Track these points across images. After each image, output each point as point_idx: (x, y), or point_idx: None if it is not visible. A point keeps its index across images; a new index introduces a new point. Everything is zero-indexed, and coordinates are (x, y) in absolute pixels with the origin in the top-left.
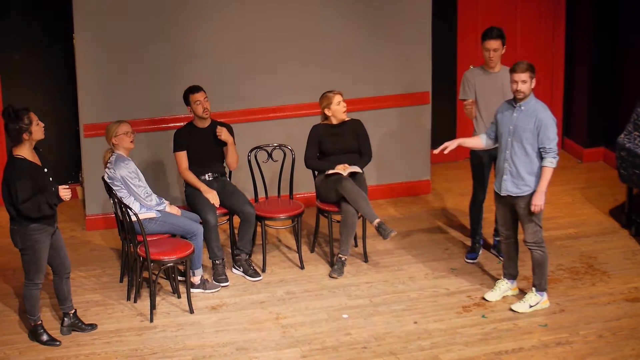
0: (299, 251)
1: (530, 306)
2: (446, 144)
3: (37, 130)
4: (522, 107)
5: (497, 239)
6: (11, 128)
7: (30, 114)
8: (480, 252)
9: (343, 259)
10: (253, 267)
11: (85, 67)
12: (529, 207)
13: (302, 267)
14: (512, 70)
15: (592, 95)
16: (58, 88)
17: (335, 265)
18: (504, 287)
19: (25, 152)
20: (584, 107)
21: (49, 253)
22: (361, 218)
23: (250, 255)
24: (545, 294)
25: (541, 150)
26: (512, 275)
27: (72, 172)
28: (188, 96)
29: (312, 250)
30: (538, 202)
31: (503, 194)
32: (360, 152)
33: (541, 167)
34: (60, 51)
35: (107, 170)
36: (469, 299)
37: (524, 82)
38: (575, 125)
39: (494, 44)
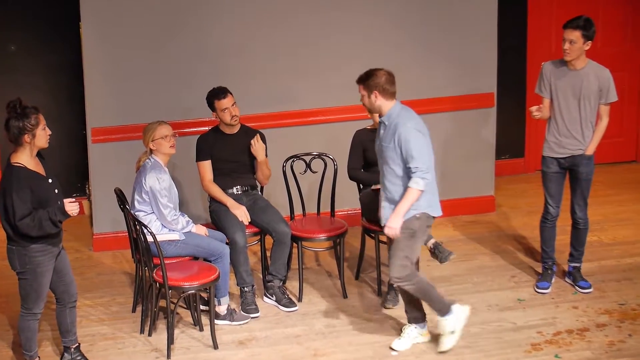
0: (341, 277)
1: (452, 332)
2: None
3: (42, 135)
4: (385, 122)
5: (573, 265)
6: (13, 125)
7: (39, 115)
8: (553, 280)
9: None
10: (287, 295)
11: (94, 64)
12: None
13: (344, 296)
14: None
15: None
16: (62, 86)
17: (389, 295)
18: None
19: (24, 159)
20: None
21: (52, 278)
22: None
23: (284, 282)
24: (451, 311)
25: (407, 170)
26: (415, 318)
27: (78, 184)
28: (213, 102)
29: (356, 277)
30: (392, 225)
31: (383, 223)
32: None
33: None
34: (65, 44)
35: (138, 175)
36: (540, 335)
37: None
38: None
39: (571, 34)
